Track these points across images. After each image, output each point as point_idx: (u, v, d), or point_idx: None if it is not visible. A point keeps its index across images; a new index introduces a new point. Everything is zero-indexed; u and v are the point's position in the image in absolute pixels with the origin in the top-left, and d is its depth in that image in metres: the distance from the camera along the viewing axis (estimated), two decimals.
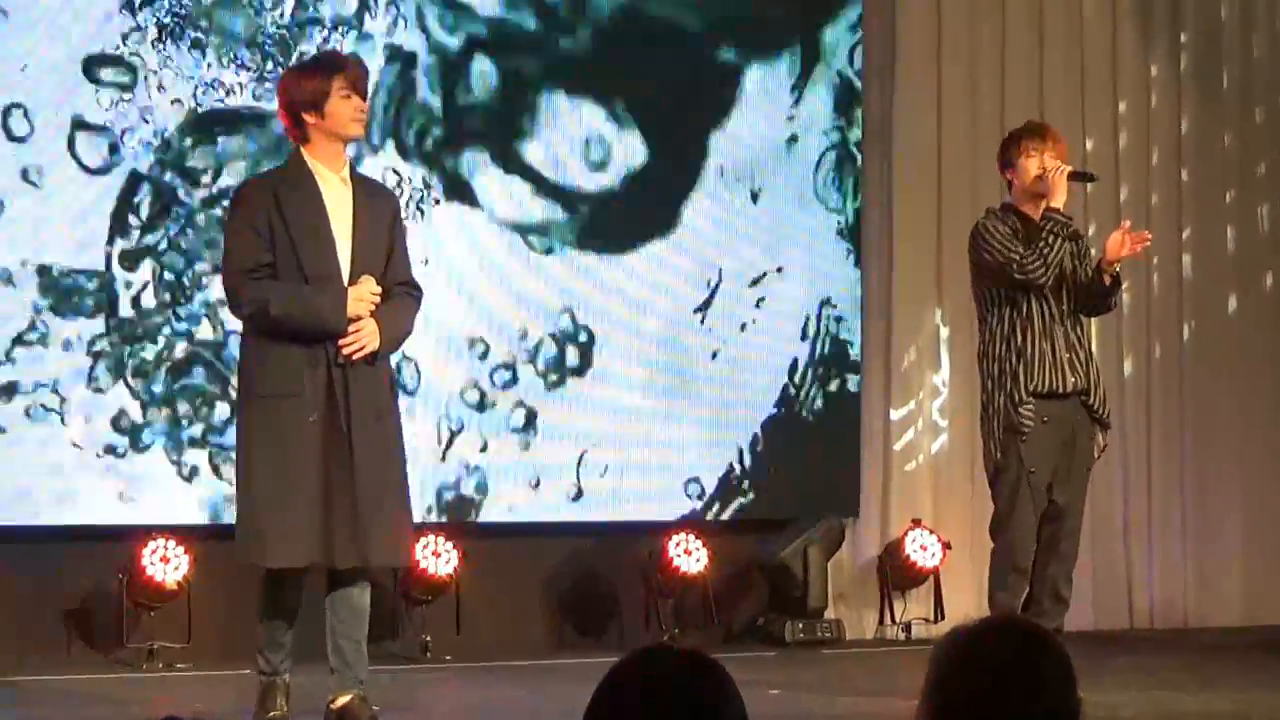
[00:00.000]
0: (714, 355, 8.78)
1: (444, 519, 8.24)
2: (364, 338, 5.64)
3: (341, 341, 5.62)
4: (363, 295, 5.66)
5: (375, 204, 5.85)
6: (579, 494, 8.50)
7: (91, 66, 7.78)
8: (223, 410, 7.82)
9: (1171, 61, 9.63)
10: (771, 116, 8.86)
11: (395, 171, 8.17)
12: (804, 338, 8.89)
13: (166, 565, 7.66)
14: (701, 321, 8.75)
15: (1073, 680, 2.58)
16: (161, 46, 7.82)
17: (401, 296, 5.84)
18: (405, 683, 7.31)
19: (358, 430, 5.64)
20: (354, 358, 5.63)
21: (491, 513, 8.37)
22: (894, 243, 9.12)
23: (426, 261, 8.04)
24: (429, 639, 8.05)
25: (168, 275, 7.85)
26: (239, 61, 7.92)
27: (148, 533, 7.70)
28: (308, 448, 5.60)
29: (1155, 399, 9.54)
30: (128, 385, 7.80)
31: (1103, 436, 6.64)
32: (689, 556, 8.50)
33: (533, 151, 8.47)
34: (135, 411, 7.83)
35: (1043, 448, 6.47)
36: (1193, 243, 9.64)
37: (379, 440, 5.69)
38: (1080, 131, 9.25)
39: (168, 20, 7.83)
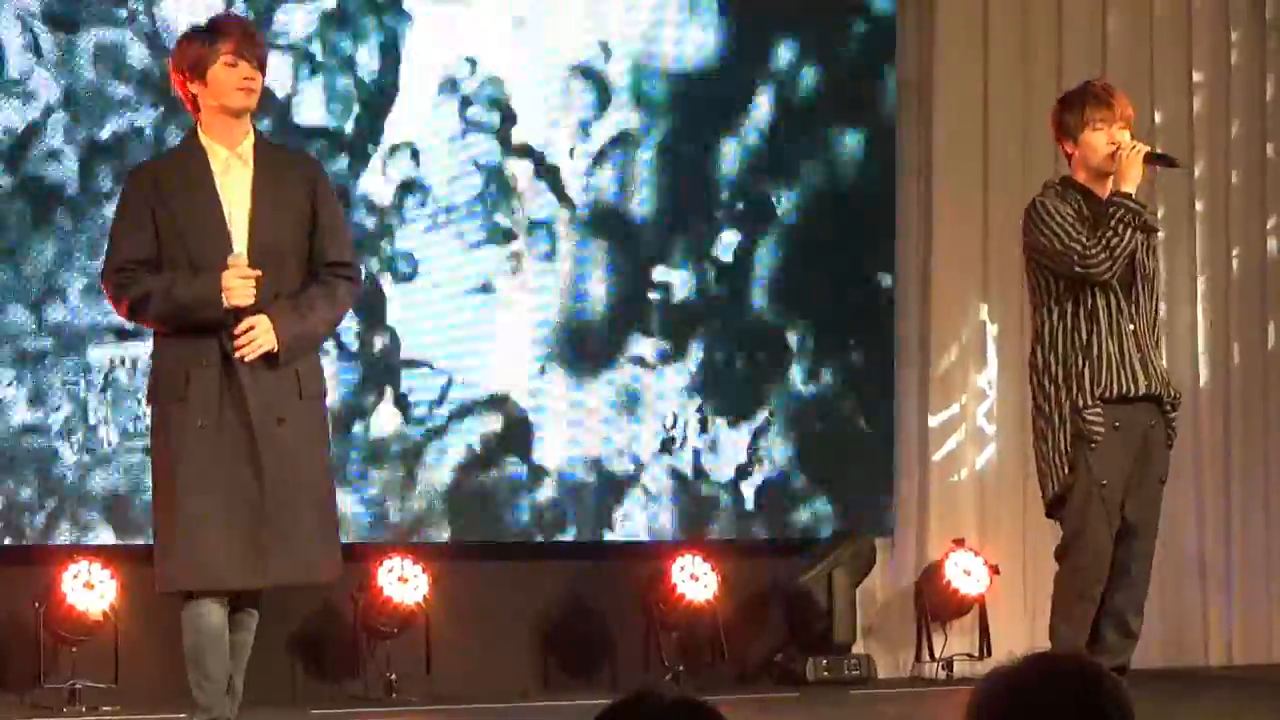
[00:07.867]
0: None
1: (411, 539, 8.22)
2: (255, 337, 5.58)
3: (236, 344, 5.62)
4: (232, 282, 5.55)
5: (284, 178, 5.78)
6: (569, 509, 8.44)
7: None
8: None
9: (1255, 16, 9.59)
10: None
11: None
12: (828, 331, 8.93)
13: (90, 592, 7.61)
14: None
15: None
16: None
17: (325, 282, 5.75)
18: None
19: (260, 434, 5.60)
20: (247, 359, 5.59)
21: (466, 531, 8.31)
22: (932, 225, 9.06)
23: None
24: (394, 677, 8.05)
25: None
26: None
27: (69, 554, 7.67)
28: (199, 457, 5.58)
29: (1235, 405, 9.51)
30: None
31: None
32: (695, 582, 8.47)
33: None
34: None
35: (1115, 457, 6.36)
36: None
37: (282, 447, 5.64)
38: (1148, 94, 9.20)
39: None
